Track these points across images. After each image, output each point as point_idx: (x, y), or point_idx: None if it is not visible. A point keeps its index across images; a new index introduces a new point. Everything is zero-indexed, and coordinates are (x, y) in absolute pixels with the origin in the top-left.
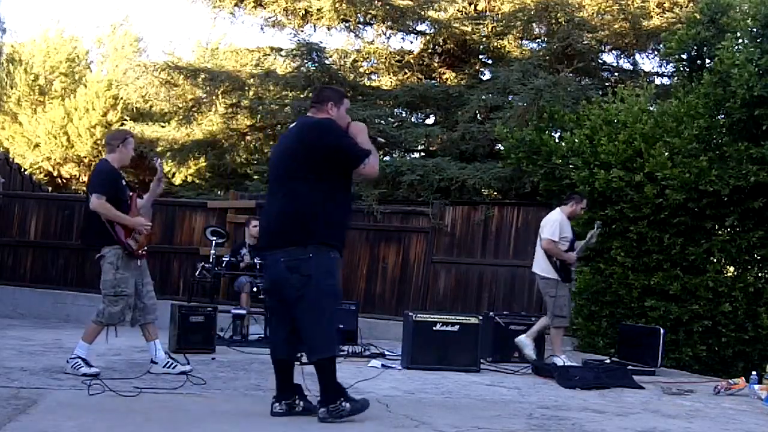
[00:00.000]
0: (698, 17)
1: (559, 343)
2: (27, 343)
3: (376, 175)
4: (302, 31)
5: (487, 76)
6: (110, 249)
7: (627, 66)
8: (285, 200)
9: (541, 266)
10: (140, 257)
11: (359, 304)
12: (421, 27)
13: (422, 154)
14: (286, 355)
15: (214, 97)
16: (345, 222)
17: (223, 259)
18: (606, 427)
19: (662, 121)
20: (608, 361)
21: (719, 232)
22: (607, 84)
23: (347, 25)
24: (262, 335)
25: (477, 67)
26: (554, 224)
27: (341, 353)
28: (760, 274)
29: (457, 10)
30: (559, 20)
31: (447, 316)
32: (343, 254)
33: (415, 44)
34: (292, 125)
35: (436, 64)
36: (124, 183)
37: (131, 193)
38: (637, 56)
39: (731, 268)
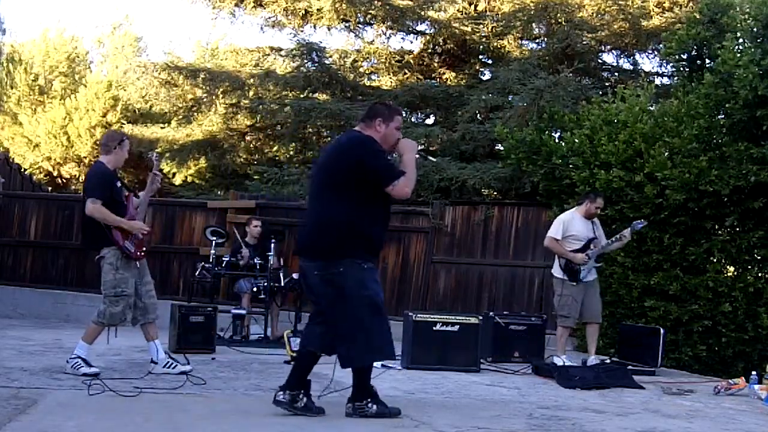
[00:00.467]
0: (698, 17)
1: (563, 343)
2: (27, 343)
3: (406, 197)
4: (302, 31)
5: (487, 76)
6: (109, 250)
7: (627, 66)
8: (321, 212)
9: (554, 264)
10: (139, 259)
11: None
12: (421, 27)
13: (422, 154)
14: (318, 348)
15: (214, 97)
16: (380, 235)
17: (223, 259)
18: (606, 427)
19: (662, 121)
20: (608, 361)
21: (719, 232)
22: (607, 84)
23: (347, 25)
24: (262, 335)
25: (477, 67)
26: (558, 223)
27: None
28: (760, 274)
29: (457, 10)
30: (559, 20)
31: (447, 316)
32: (376, 262)
33: (415, 44)
34: (337, 137)
35: (436, 64)
36: (119, 184)
37: (127, 193)
38: (637, 56)
39: (731, 268)
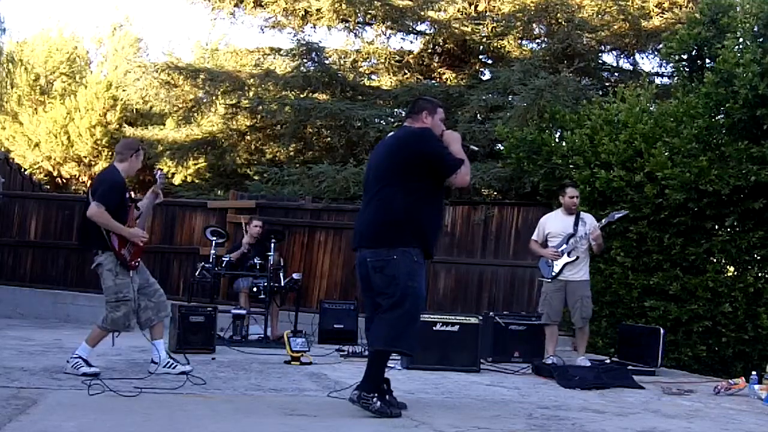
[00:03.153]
0: (698, 17)
1: (550, 344)
2: (27, 343)
3: (466, 185)
4: (302, 31)
5: (487, 76)
6: (106, 256)
7: (627, 66)
8: (380, 205)
9: None
10: (133, 268)
11: (359, 304)
12: (421, 27)
13: None
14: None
15: (214, 98)
16: (437, 227)
17: (223, 259)
18: (606, 427)
19: (662, 120)
20: (608, 361)
21: (719, 232)
22: (607, 84)
23: (347, 25)
24: (262, 335)
25: (477, 67)
26: (538, 224)
27: (342, 353)
28: (760, 274)
29: (457, 11)
30: (559, 20)
31: (447, 316)
32: (433, 255)
33: (415, 44)
34: (389, 134)
35: (436, 64)
36: (127, 195)
37: (130, 204)
38: (637, 56)
39: (731, 269)
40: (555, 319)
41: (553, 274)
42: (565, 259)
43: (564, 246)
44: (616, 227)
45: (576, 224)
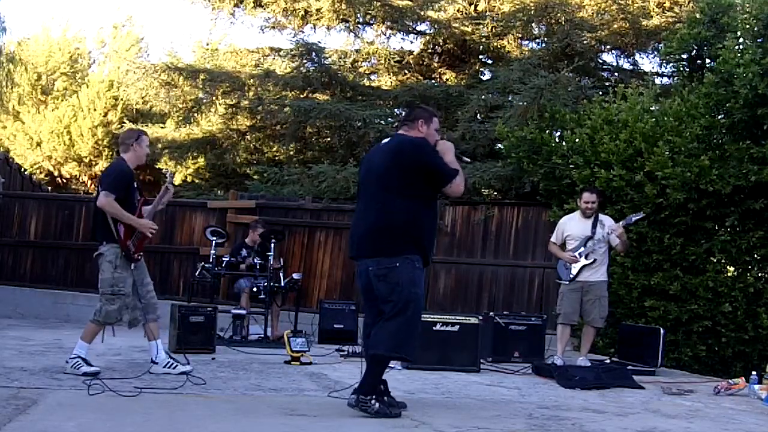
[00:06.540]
0: (699, 17)
1: (561, 343)
2: (27, 343)
3: (460, 194)
4: (302, 31)
5: (487, 76)
6: (109, 247)
7: (627, 66)
8: (379, 213)
9: None
10: (136, 261)
11: (359, 304)
12: (420, 27)
13: None
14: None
15: (213, 98)
16: (433, 234)
17: (223, 259)
18: (606, 427)
19: (663, 120)
20: (608, 361)
21: (719, 232)
22: (606, 84)
23: (347, 25)
24: (262, 335)
25: (477, 67)
26: (557, 226)
27: (342, 353)
28: (760, 274)
29: (457, 11)
30: (559, 20)
31: (447, 316)
32: (429, 262)
33: (415, 44)
34: (384, 141)
35: (436, 64)
36: (135, 185)
37: (140, 198)
38: (637, 56)
39: (731, 268)
40: (571, 319)
41: (571, 276)
42: (582, 261)
43: (581, 249)
44: None
45: (594, 227)
